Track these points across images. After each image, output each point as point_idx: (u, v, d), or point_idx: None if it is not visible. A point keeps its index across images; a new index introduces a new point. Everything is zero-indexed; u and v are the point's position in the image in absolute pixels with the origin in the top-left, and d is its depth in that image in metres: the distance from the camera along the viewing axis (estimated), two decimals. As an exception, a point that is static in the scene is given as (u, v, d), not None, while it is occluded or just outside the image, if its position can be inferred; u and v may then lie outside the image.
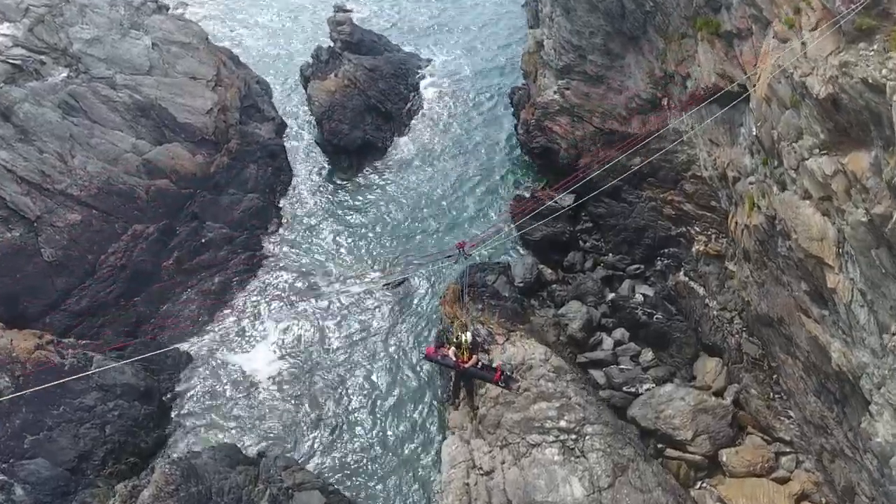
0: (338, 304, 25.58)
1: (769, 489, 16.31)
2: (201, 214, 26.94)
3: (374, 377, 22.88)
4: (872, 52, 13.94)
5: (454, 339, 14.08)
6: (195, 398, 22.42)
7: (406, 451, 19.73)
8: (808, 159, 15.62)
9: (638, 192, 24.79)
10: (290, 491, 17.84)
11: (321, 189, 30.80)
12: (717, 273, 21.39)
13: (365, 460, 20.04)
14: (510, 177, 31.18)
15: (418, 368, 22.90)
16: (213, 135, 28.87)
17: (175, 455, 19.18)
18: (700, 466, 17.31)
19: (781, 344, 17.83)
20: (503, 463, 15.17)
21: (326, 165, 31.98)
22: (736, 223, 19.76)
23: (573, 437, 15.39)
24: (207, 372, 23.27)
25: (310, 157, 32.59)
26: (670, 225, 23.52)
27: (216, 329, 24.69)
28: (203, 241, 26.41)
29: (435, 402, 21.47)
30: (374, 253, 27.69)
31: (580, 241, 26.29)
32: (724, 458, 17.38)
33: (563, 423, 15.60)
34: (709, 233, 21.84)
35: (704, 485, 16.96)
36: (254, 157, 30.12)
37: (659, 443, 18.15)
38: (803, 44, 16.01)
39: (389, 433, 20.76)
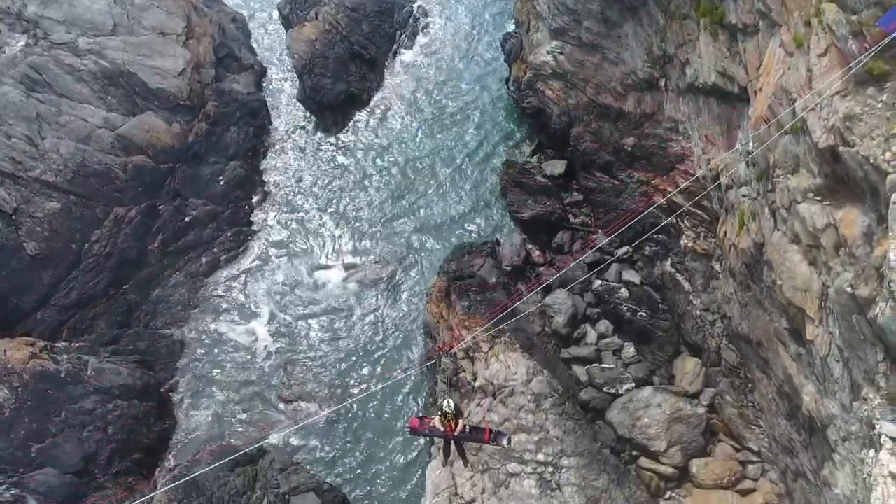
0: (328, 284, 25.69)
1: (732, 503, 17.48)
2: (183, 190, 26.29)
3: (365, 361, 23.50)
4: (880, 105, 13.00)
5: (438, 411, 14.25)
6: (192, 387, 23.23)
7: (397, 446, 20.77)
8: (801, 203, 15.11)
9: (630, 172, 24.08)
10: (286, 496, 19.01)
11: (305, 151, 29.77)
12: (704, 271, 21.33)
13: (358, 453, 21.14)
14: (502, 133, 30.00)
15: (409, 352, 23.50)
16: (189, 99, 27.44)
17: (175, 463, 20.18)
18: (671, 478, 18.39)
19: (758, 363, 18.21)
20: (483, 493, 16.11)
21: (310, 123, 30.65)
22: (725, 233, 19.43)
23: (550, 469, 16.25)
24: (202, 358, 23.90)
25: (292, 111, 31.15)
26: (660, 213, 23.08)
27: (207, 312, 25.00)
28: (187, 219, 26.00)
29: (424, 391, 22.31)
30: (364, 223, 27.34)
31: (570, 216, 25.90)
32: (694, 470, 18.41)
33: (540, 457, 16.41)
34: (698, 230, 21.51)
35: (673, 494, 18.11)
36: (233, 118, 28.83)
37: (634, 450, 19.13)
38: (809, 71, 14.95)
39: (380, 425, 21.74)
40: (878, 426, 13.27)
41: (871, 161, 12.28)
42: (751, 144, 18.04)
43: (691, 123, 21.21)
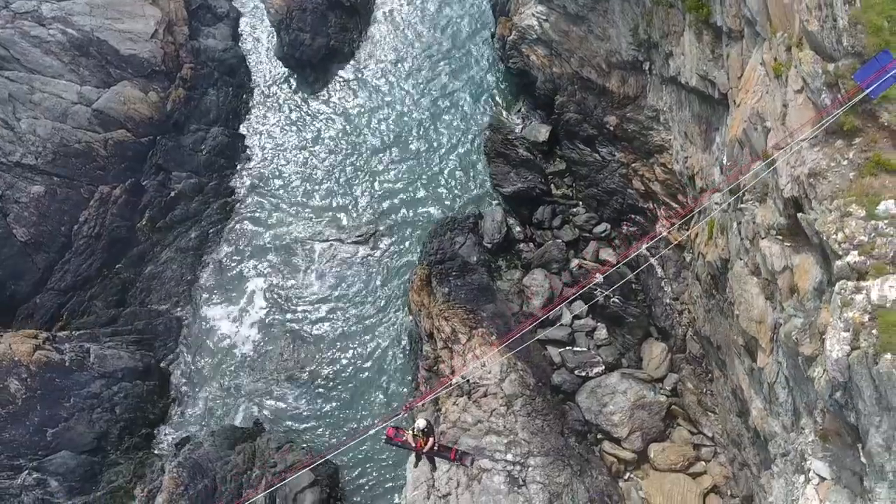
0: (314, 256, 26.31)
1: (684, 488, 19.34)
2: (166, 164, 26.19)
3: (352, 331, 24.63)
4: (846, 163, 13.13)
5: (411, 430, 15.60)
6: (190, 362, 24.55)
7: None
8: (763, 238, 15.52)
9: (612, 150, 23.96)
10: (283, 474, 20.95)
11: (287, 112, 29.17)
12: (676, 260, 21.97)
13: (346, 424, 22.87)
14: (488, 90, 29.20)
15: (394, 327, 24.67)
16: (163, 63, 26.58)
17: (179, 445, 21.97)
18: (630, 462, 20.20)
19: (717, 362, 19.41)
20: (457, 486, 17.87)
21: (290, 81, 29.77)
22: (696, 235, 19.87)
23: (518, 468, 17.90)
24: (198, 334, 25.05)
25: (271, 67, 30.12)
26: (638, 197, 23.31)
27: (200, 287, 25.84)
28: (172, 194, 26.15)
29: (408, 371, 23.72)
30: (348, 189, 27.47)
31: (552, 186, 26.02)
32: (652, 455, 20.18)
33: (509, 456, 18.01)
34: (673, 220, 21.86)
35: (631, 476, 20.03)
36: (211, 79, 28.06)
37: (599, 434, 20.84)
38: (785, 106, 14.83)
39: (368, 398, 23.35)
40: (808, 461, 14.60)
41: (824, 237, 12.61)
42: (725, 158, 18.09)
43: (672, 115, 20.93)
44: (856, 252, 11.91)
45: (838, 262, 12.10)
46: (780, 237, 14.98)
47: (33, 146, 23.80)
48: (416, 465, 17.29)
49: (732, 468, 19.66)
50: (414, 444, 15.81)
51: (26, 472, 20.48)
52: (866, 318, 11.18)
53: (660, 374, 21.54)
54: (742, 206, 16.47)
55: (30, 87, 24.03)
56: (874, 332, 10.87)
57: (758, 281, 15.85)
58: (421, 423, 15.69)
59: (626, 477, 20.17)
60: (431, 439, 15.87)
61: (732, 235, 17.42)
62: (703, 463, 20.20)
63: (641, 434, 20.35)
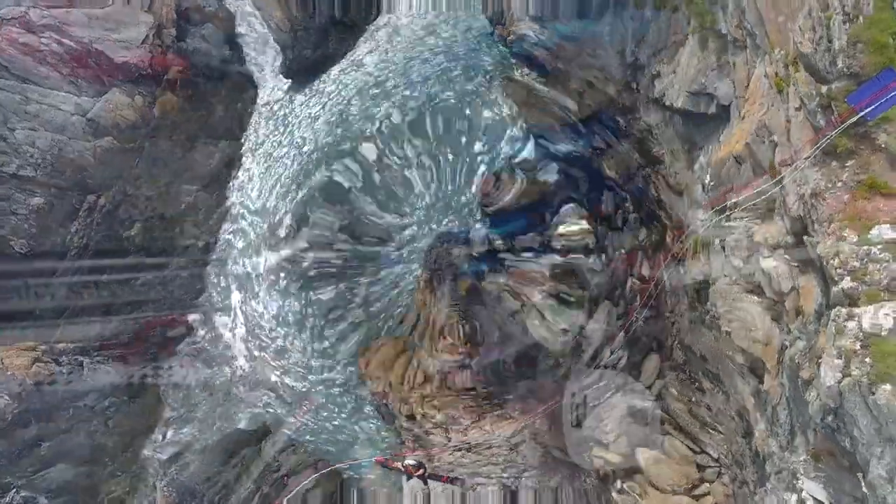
0: (304, 266, 26.23)
1: (686, 507, 19.25)
2: (154, 171, 25.81)
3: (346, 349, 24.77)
4: (840, 185, 13.05)
5: (400, 462, 15.67)
6: (182, 375, 24.54)
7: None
8: (767, 257, 15.05)
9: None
10: (284, 479, 20.79)
11: (279, 117, 29.08)
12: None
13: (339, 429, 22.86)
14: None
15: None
16: (150, 67, 25.99)
17: (167, 463, 21.99)
18: (618, 466, 19.87)
19: (705, 373, 19.13)
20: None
21: (284, 87, 29.59)
22: (686, 249, 19.75)
23: (512, 479, 17.98)
24: (191, 345, 25.04)
25: (264, 70, 29.80)
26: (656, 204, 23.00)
27: (190, 297, 25.76)
28: (157, 204, 25.86)
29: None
30: (336, 197, 27.26)
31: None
32: (642, 462, 19.72)
33: (505, 475, 18.11)
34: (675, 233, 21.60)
35: (624, 487, 19.85)
36: (200, 83, 27.67)
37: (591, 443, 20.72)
38: (788, 121, 14.63)
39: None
40: (800, 480, 14.45)
41: (822, 257, 12.38)
42: (707, 178, 17.82)
43: (661, 131, 20.87)
44: (849, 278, 11.66)
45: (834, 289, 11.84)
46: (788, 257, 14.52)
47: (31, 158, 23.45)
48: (408, 479, 17.29)
49: (733, 487, 19.48)
50: (404, 471, 15.89)
51: (14, 489, 20.23)
52: (858, 346, 10.83)
53: (649, 382, 21.58)
54: (730, 223, 16.32)
55: (23, 97, 23.64)
56: (867, 360, 10.48)
57: (760, 300, 15.45)
58: (411, 461, 15.76)
59: (619, 488, 20.09)
60: (422, 470, 15.90)
61: (714, 252, 17.24)
62: (707, 484, 19.96)
63: (627, 437, 20.21)
